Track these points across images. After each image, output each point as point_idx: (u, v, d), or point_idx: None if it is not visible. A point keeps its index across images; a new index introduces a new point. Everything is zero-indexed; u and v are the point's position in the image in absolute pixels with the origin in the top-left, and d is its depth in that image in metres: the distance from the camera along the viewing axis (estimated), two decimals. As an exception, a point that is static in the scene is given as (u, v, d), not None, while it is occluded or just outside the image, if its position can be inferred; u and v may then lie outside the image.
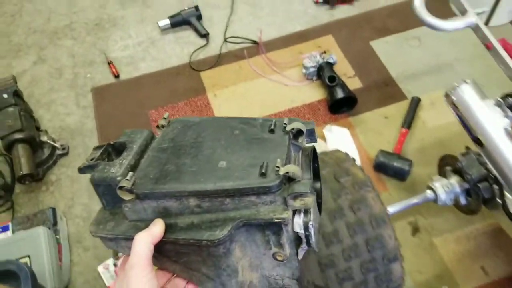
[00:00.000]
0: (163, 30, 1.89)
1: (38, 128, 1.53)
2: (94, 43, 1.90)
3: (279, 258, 0.49)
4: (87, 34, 1.93)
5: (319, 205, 0.57)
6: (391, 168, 1.42)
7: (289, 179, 0.48)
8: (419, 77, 1.70)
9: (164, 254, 0.51)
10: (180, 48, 1.84)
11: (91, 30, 1.94)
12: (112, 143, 0.56)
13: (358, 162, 1.40)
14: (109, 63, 1.80)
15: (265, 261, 0.50)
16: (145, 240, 0.47)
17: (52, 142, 1.52)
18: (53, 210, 1.37)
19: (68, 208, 1.46)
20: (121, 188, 0.48)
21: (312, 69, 1.64)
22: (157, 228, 0.48)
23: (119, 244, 0.52)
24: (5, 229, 1.33)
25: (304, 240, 0.48)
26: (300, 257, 0.50)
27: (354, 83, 1.67)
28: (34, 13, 2.01)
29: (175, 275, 0.54)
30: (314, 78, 1.67)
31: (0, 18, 2.00)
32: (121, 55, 1.85)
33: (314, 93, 1.65)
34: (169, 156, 0.53)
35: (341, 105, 1.57)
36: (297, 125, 0.54)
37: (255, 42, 1.81)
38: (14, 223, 1.35)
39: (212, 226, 0.47)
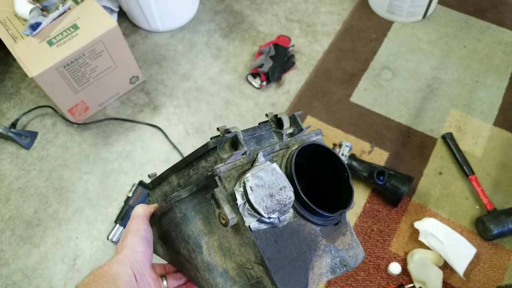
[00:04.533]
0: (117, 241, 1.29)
1: None
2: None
3: (222, 221, 0.46)
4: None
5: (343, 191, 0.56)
6: (509, 231, 1.22)
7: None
8: (423, 108, 1.52)
9: (164, 240, 0.57)
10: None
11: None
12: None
13: (470, 248, 1.18)
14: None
15: (231, 240, 0.49)
16: (142, 206, 0.56)
17: None
18: None
19: None
20: (147, 186, 0.63)
21: (341, 173, 1.32)
22: (152, 205, 0.58)
23: None
24: None
25: (244, 199, 0.45)
26: (251, 225, 0.45)
27: (380, 156, 1.42)
28: None
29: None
30: (344, 178, 1.36)
31: None
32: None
33: (357, 195, 1.35)
34: None
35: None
36: (275, 114, 0.57)
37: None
38: None
39: None
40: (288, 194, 0.48)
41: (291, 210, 0.49)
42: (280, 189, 0.47)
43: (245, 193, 0.45)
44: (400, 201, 1.29)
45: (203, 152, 0.51)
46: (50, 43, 1.29)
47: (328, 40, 1.71)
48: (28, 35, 1.31)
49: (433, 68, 1.61)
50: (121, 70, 1.47)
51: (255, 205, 0.45)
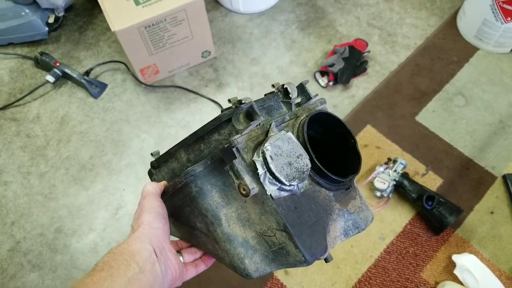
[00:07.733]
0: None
1: None
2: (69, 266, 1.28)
3: (243, 191, 0.47)
4: (50, 251, 1.30)
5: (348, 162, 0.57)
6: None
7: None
8: (490, 143, 1.44)
9: (176, 216, 0.57)
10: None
11: (52, 243, 1.32)
12: None
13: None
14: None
15: (250, 210, 0.50)
16: (152, 184, 0.56)
17: None
18: None
19: None
20: (151, 164, 0.60)
21: (389, 189, 1.30)
22: (161, 182, 0.57)
23: None
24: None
25: (264, 169, 0.46)
26: (273, 193, 0.47)
27: (433, 181, 1.37)
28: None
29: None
30: (391, 195, 1.33)
31: None
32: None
33: (400, 214, 1.32)
34: None
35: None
36: (283, 83, 0.58)
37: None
38: None
39: None
40: (305, 161, 0.49)
41: (307, 177, 0.50)
42: (297, 157, 0.49)
43: (265, 163, 0.46)
44: (443, 230, 1.24)
45: (216, 125, 0.51)
46: (137, 2, 1.35)
47: (406, 53, 1.67)
48: (119, -8, 1.37)
49: (510, 105, 1.53)
50: (196, 42, 1.51)
51: (277, 174, 0.46)
